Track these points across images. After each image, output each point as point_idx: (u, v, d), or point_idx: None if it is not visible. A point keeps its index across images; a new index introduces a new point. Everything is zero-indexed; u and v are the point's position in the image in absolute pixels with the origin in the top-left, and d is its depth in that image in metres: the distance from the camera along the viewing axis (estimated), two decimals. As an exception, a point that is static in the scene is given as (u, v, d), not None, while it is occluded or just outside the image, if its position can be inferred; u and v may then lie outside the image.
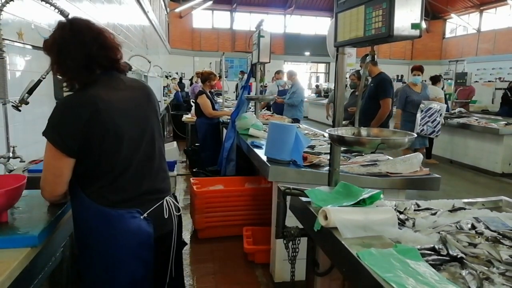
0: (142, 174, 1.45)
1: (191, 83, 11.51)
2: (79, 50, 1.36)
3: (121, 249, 1.38)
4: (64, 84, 1.43)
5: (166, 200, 1.52)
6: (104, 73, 1.44)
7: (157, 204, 1.47)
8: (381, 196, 1.51)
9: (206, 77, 5.50)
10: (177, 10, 17.61)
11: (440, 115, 5.77)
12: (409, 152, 5.53)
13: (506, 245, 1.25)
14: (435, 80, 7.48)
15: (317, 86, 18.46)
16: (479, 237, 1.32)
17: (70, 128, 1.31)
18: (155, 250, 1.45)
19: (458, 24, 19.35)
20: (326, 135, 3.44)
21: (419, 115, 5.71)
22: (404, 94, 5.91)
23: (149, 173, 1.48)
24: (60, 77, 1.42)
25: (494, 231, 1.35)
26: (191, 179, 3.99)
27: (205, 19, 19.41)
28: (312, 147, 3.28)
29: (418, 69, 5.95)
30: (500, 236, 1.31)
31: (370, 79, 4.82)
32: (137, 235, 1.39)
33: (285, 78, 7.92)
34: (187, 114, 7.24)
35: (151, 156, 1.49)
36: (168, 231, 1.54)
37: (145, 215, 1.41)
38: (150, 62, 6.18)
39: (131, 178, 1.42)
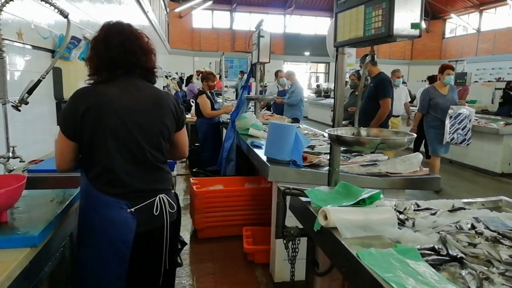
0: (132, 174, 1.49)
1: (188, 83, 11.45)
2: (106, 53, 1.51)
3: (102, 236, 1.44)
4: (88, 77, 1.56)
5: (159, 197, 1.54)
6: (124, 75, 1.54)
7: (148, 201, 1.50)
8: (381, 196, 1.51)
9: (204, 76, 5.52)
10: (177, 10, 17.61)
11: (470, 120, 5.14)
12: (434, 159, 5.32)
13: (506, 245, 1.25)
14: (432, 80, 7.46)
15: (317, 86, 18.46)
16: (478, 237, 1.32)
17: (71, 116, 1.44)
18: (140, 244, 1.48)
19: (458, 24, 19.35)
20: (326, 135, 3.44)
21: (448, 122, 5.04)
22: (427, 96, 5.24)
23: (140, 174, 1.51)
24: (87, 68, 1.57)
25: (494, 231, 1.35)
26: (191, 179, 3.99)
27: (205, 19, 19.41)
28: (312, 147, 3.28)
29: (450, 68, 5.27)
30: (500, 236, 1.31)
31: (369, 79, 4.82)
32: (118, 226, 1.44)
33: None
34: (187, 114, 7.24)
35: (143, 159, 1.51)
36: (158, 227, 1.56)
37: (132, 209, 1.46)
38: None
39: (120, 176, 1.47)
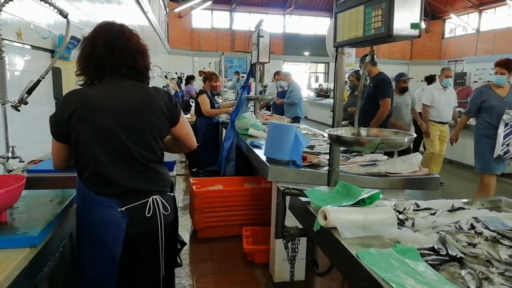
0: (122, 175, 1.48)
1: (187, 83, 11.43)
2: (91, 52, 1.51)
3: (96, 236, 1.46)
4: (78, 78, 1.57)
5: (153, 198, 1.52)
6: (112, 75, 1.53)
7: (140, 202, 1.49)
8: (381, 196, 1.51)
9: (207, 76, 5.55)
10: (177, 10, 17.61)
11: None
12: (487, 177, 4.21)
13: (505, 245, 1.25)
14: (430, 79, 7.44)
15: (319, 86, 18.45)
16: (478, 237, 1.31)
17: (58, 119, 1.47)
18: (133, 246, 1.49)
19: (457, 24, 19.37)
20: (326, 135, 3.44)
21: (501, 130, 3.97)
22: (479, 97, 4.20)
23: (131, 174, 1.49)
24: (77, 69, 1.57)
25: (494, 231, 1.35)
26: (190, 179, 3.99)
27: (204, 19, 19.41)
28: (312, 147, 3.28)
29: (503, 65, 4.06)
30: (500, 236, 1.31)
31: (369, 79, 4.82)
32: (110, 225, 1.44)
33: (282, 80, 7.95)
34: (186, 114, 7.24)
35: (131, 159, 1.49)
36: (151, 229, 1.53)
37: (123, 208, 1.46)
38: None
39: (110, 177, 1.46)
